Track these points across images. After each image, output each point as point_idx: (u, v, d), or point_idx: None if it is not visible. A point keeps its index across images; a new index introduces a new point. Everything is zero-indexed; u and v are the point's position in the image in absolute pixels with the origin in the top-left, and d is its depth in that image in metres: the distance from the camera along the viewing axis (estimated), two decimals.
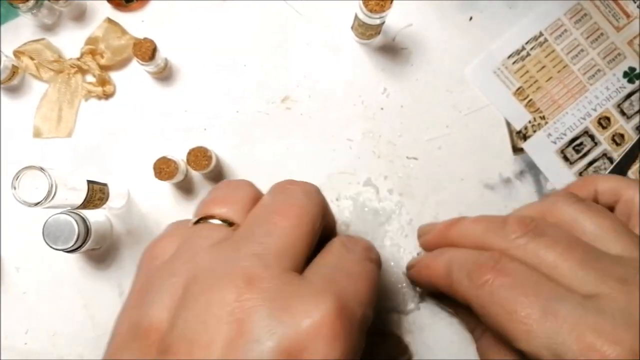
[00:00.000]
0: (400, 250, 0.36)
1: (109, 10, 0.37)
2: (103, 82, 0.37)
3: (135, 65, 0.37)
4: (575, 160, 0.37)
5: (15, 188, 0.27)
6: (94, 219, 0.34)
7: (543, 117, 0.37)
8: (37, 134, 0.37)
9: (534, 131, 0.37)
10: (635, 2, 0.38)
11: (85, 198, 0.31)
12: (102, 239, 0.35)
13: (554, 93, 0.37)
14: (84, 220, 0.33)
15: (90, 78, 0.37)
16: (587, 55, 0.38)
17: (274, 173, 0.37)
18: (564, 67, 0.37)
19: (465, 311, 0.32)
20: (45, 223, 0.32)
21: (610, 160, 0.37)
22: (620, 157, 0.37)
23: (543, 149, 0.37)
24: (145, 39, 0.34)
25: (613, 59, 0.37)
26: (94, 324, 0.36)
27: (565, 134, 0.37)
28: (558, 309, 0.23)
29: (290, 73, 0.37)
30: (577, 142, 0.37)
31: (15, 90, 0.37)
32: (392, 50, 0.38)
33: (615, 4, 0.38)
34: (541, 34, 0.38)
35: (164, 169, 0.33)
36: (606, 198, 0.30)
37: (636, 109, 0.37)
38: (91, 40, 0.37)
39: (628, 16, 0.38)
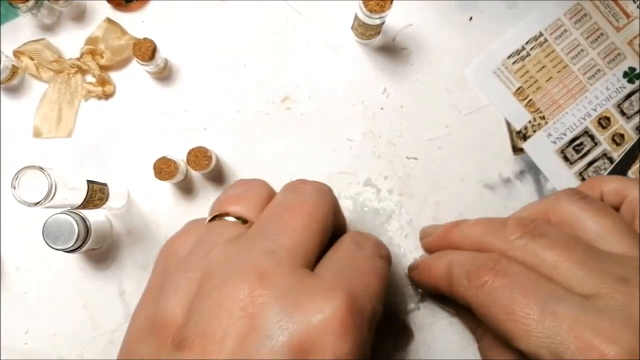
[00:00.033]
0: (400, 250, 0.36)
1: (108, 10, 0.37)
2: (103, 82, 0.37)
3: (135, 65, 0.37)
4: (575, 160, 0.37)
5: (15, 188, 0.27)
6: (94, 219, 0.34)
7: (543, 117, 0.37)
8: (37, 134, 0.37)
9: (534, 131, 0.37)
10: (635, 2, 0.38)
11: (85, 198, 0.31)
12: (102, 239, 0.35)
13: (554, 93, 0.37)
14: (83, 220, 0.33)
15: (90, 78, 0.37)
16: (587, 55, 0.38)
17: (274, 173, 0.37)
18: (564, 67, 0.37)
19: (465, 312, 0.32)
20: (45, 223, 0.32)
21: (610, 160, 0.37)
22: (620, 157, 0.37)
23: (543, 149, 0.37)
24: (145, 39, 0.34)
25: (613, 59, 0.37)
26: (94, 324, 0.36)
27: (565, 134, 0.37)
28: (557, 309, 0.23)
29: (290, 73, 0.37)
30: (577, 142, 0.37)
31: (15, 90, 0.37)
32: (392, 50, 0.38)
33: (615, 4, 0.38)
34: (541, 34, 0.38)
35: (164, 169, 0.33)
36: (611, 199, 0.30)
37: (636, 109, 0.37)
38: (91, 40, 0.37)
39: (628, 16, 0.38)
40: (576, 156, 0.37)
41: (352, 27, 0.37)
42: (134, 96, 0.37)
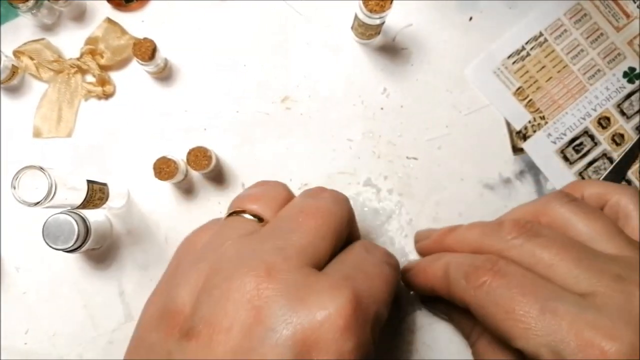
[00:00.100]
0: (400, 250, 0.36)
1: (108, 10, 0.37)
2: (103, 82, 0.37)
3: (135, 65, 0.37)
4: (575, 160, 0.37)
5: (15, 188, 0.27)
6: (93, 218, 0.34)
7: (543, 117, 0.37)
8: (37, 134, 0.37)
9: (534, 131, 0.37)
10: (635, 2, 0.38)
11: (85, 198, 0.31)
12: (102, 238, 0.35)
13: (553, 93, 0.38)
14: (83, 220, 0.33)
15: (90, 78, 0.37)
16: (587, 55, 0.38)
17: (274, 173, 0.37)
18: (564, 67, 0.38)
19: (460, 316, 0.32)
20: (45, 223, 0.32)
21: (610, 160, 0.37)
22: (620, 157, 0.37)
23: (543, 149, 0.37)
24: (145, 39, 0.34)
25: (613, 59, 0.37)
26: (94, 324, 0.36)
27: (565, 134, 0.37)
28: (556, 307, 0.23)
29: (290, 73, 0.37)
30: (577, 142, 0.37)
31: (15, 90, 0.37)
32: (392, 50, 0.38)
33: (615, 4, 0.38)
34: (541, 34, 0.38)
35: (164, 168, 0.33)
36: (592, 203, 0.30)
37: (636, 109, 0.38)
38: (91, 40, 0.37)
39: (628, 16, 0.38)
40: (576, 156, 0.37)
41: (352, 27, 0.37)
42: (134, 96, 0.37)
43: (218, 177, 0.37)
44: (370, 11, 0.32)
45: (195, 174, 0.37)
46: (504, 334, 0.24)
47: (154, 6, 0.38)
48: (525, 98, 0.37)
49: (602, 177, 0.37)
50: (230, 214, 0.27)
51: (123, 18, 0.37)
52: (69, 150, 0.37)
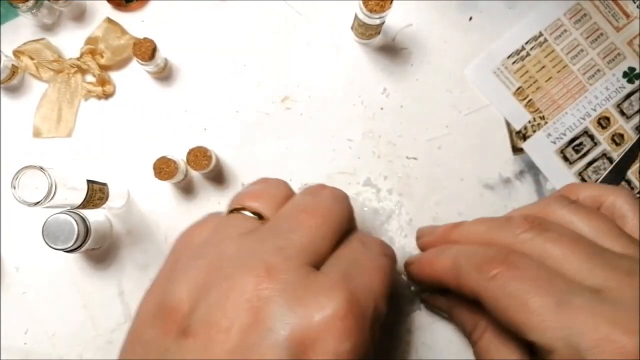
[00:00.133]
0: (400, 250, 0.36)
1: (108, 10, 0.37)
2: (103, 82, 0.37)
3: (135, 65, 0.37)
4: (575, 160, 0.37)
5: (15, 188, 0.27)
6: (93, 218, 0.34)
7: (543, 117, 0.37)
8: (37, 133, 0.37)
9: (534, 131, 0.37)
10: (635, 2, 0.38)
11: (85, 198, 0.31)
12: (102, 238, 0.35)
13: (553, 93, 0.38)
14: (83, 220, 0.33)
15: (90, 78, 0.37)
16: (586, 55, 0.38)
17: (274, 173, 0.37)
18: (564, 67, 0.38)
19: (462, 313, 0.32)
20: (45, 223, 0.32)
21: (610, 160, 0.37)
22: (620, 157, 0.37)
23: (543, 149, 0.37)
24: (145, 38, 0.34)
25: (613, 59, 0.38)
26: (94, 324, 0.36)
27: (564, 134, 0.37)
28: (571, 300, 0.23)
29: (290, 73, 0.37)
30: (577, 142, 0.37)
31: (15, 90, 0.37)
32: (392, 50, 0.38)
33: (615, 4, 0.38)
34: (541, 34, 0.38)
35: (163, 168, 0.33)
36: (588, 205, 0.30)
37: (636, 109, 0.38)
38: (91, 40, 0.37)
39: (628, 16, 0.38)
40: (576, 156, 0.37)
41: (352, 27, 0.37)
42: (134, 96, 0.37)
43: (218, 177, 0.37)
44: (370, 11, 0.32)
45: (195, 174, 0.37)
46: (517, 327, 0.24)
47: (154, 6, 0.38)
48: (525, 98, 0.37)
49: (602, 177, 0.37)
50: (230, 211, 0.27)
51: (123, 18, 0.37)
52: (69, 150, 0.37)
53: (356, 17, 0.34)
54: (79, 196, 0.31)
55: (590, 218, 0.27)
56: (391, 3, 0.32)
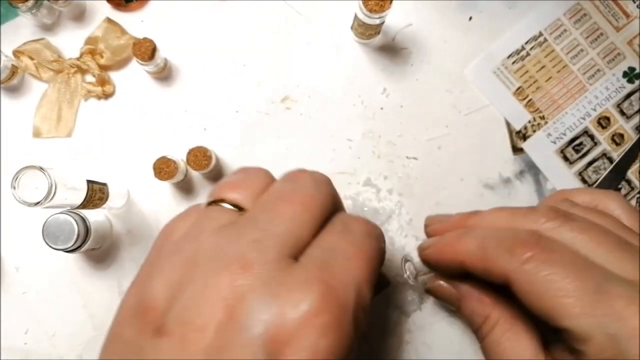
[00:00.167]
0: (400, 250, 0.36)
1: (108, 10, 0.37)
2: (103, 82, 0.37)
3: (135, 65, 0.37)
4: (575, 160, 0.37)
5: (15, 188, 0.27)
6: (93, 218, 0.34)
7: (543, 117, 0.37)
8: (37, 133, 0.37)
9: (534, 131, 0.37)
10: (635, 2, 0.38)
11: (85, 198, 0.31)
12: (102, 238, 0.35)
13: (553, 93, 0.38)
14: (83, 220, 0.33)
15: (89, 78, 0.37)
16: (586, 55, 0.38)
17: (274, 173, 0.37)
18: (564, 67, 0.38)
19: (473, 304, 0.30)
20: (45, 223, 0.32)
21: (610, 160, 0.37)
22: (620, 157, 0.37)
23: (543, 148, 0.37)
24: (144, 38, 0.34)
25: (613, 59, 0.38)
26: (94, 324, 0.36)
27: (565, 134, 0.37)
28: (610, 288, 0.22)
29: (290, 73, 0.37)
30: (577, 142, 0.37)
31: (15, 90, 0.37)
32: (392, 50, 0.38)
33: (615, 4, 0.38)
34: (541, 34, 0.38)
35: (163, 169, 0.33)
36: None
37: (636, 108, 0.38)
38: (91, 40, 0.37)
39: (628, 16, 0.38)
40: (576, 156, 0.37)
41: (352, 27, 0.37)
42: (134, 96, 0.37)
43: (218, 177, 0.37)
44: (370, 11, 0.32)
45: (195, 174, 0.37)
46: (550, 313, 0.23)
47: (154, 6, 0.38)
48: (525, 98, 0.37)
49: (602, 177, 0.37)
50: (209, 203, 0.26)
51: (123, 18, 0.37)
52: (68, 150, 0.37)
53: (356, 17, 0.34)
54: (79, 196, 0.31)
55: (602, 216, 0.27)
56: (391, 3, 0.32)
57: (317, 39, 0.38)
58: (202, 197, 0.37)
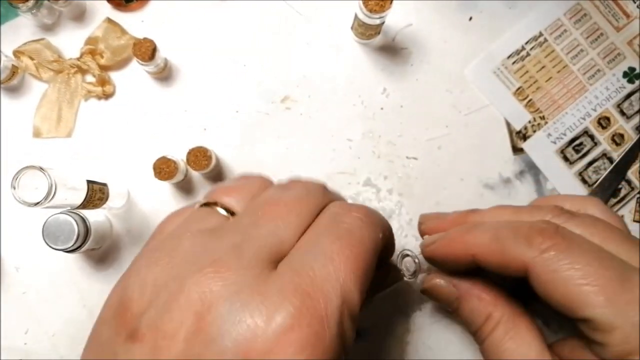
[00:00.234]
0: (400, 250, 0.36)
1: (108, 10, 0.37)
2: (103, 82, 0.37)
3: (135, 65, 0.37)
4: (575, 160, 0.37)
5: (15, 188, 0.27)
6: (93, 219, 0.34)
7: (543, 117, 0.37)
8: (37, 134, 0.37)
9: (534, 131, 0.37)
10: (635, 2, 0.38)
11: (85, 198, 0.31)
12: (102, 239, 0.35)
13: (553, 93, 0.38)
14: (83, 220, 0.33)
15: (90, 78, 0.37)
16: (586, 55, 0.38)
17: (274, 173, 0.37)
18: (564, 67, 0.38)
19: (473, 305, 0.29)
20: (45, 223, 0.32)
21: (610, 160, 0.37)
22: (620, 157, 0.37)
23: (543, 149, 0.37)
24: (145, 39, 0.34)
25: (613, 59, 0.37)
26: (94, 324, 0.36)
27: (565, 134, 0.37)
28: (631, 276, 0.22)
29: (290, 73, 0.37)
30: (577, 142, 0.37)
31: (15, 90, 0.37)
32: (392, 50, 0.38)
33: (615, 4, 0.38)
34: (541, 34, 0.38)
35: (163, 169, 0.33)
36: None
37: (636, 109, 0.38)
38: (91, 40, 0.37)
39: (628, 16, 0.38)
40: (576, 156, 0.37)
41: (352, 27, 0.37)
42: (134, 96, 0.37)
43: (218, 177, 0.37)
44: (370, 11, 0.32)
45: (195, 174, 0.37)
46: (572, 302, 0.23)
47: (154, 6, 0.38)
48: (525, 98, 0.37)
49: (602, 177, 0.37)
50: (202, 205, 0.25)
51: (123, 18, 0.37)
52: (68, 150, 0.37)
53: (356, 17, 0.34)
54: (79, 196, 0.31)
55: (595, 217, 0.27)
56: (391, 3, 0.32)
57: (317, 39, 0.38)
58: (202, 197, 0.37)
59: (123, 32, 0.37)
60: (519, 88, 0.37)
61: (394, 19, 0.37)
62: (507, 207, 0.28)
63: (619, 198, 0.37)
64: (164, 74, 0.37)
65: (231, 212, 0.24)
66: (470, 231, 0.27)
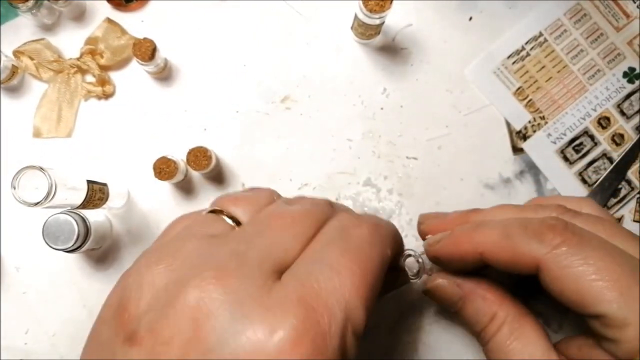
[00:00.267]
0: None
1: (108, 10, 0.37)
2: (103, 82, 0.37)
3: (135, 65, 0.37)
4: (575, 160, 0.37)
5: (15, 188, 0.27)
6: (93, 219, 0.34)
7: (543, 117, 0.37)
8: (37, 134, 0.37)
9: (534, 131, 0.37)
10: (635, 2, 0.38)
11: (85, 198, 0.31)
12: (102, 239, 0.35)
13: (553, 93, 0.38)
14: (83, 220, 0.33)
15: (90, 78, 0.37)
16: (587, 56, 0.38)
17: (274, 173, 0.37)
18: (564, 67, 0.38)
19: (477, 300, 0.28)
20: (45, 223, 0.32)
21: (610, 160, 0.37)
22: (620, 157, 0.37)
23: (543, 149, 0.37)
24: (145, 39, 0.34)
25: (613, 59, 0.37)
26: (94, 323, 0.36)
27: (565, 134, 0.37)
28: None
29: (290, 73, 0.37)
30: (577, 142, 0.37)
31: (15, 90, 0.37)
32: (392, 50, 0.38)
33: (615, 4, 0.38)
34: (541, 34, 0.38)
35: (164, 169, 0.33)
36: None
37: (636, 109, 0.38)
38: (91, 40, 0.37)
39: (628, 16, 0.38)
40: (576, 156, 0.37)
41: (352, 27, 0.37)
42: (134, 96, 0.37)
43: (218, 177, 0.37)
44: (370, 11, 0.32)
45: (195, 174, 0.37)
46: (585, 298, 0.22)
47: (154, 6, 0.38)
48: (525, 98, 0.37)
49: (602, 177, 0.37)
50: (209, 212, 0.25)
51: (123, 18, 0.37)
52: (69, 150, 0.37)
53: (356, 17, 0.34)
54: (79, 196, 0.31)
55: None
56: (391, 3, 0.32)
57: (317, 39, 0.38)
58: (202, 197, 0.37)
59: (123, 32, 0.37)
60: (519, 88, 0.37)
61: (394, 19, 0.37)
62: (510, 206, 0.28)
63: (619, 198, 0.37)
64: (164, 74, 0.37)
65: (237, 222, 0.24)
66: (477, 229, 0.26)
